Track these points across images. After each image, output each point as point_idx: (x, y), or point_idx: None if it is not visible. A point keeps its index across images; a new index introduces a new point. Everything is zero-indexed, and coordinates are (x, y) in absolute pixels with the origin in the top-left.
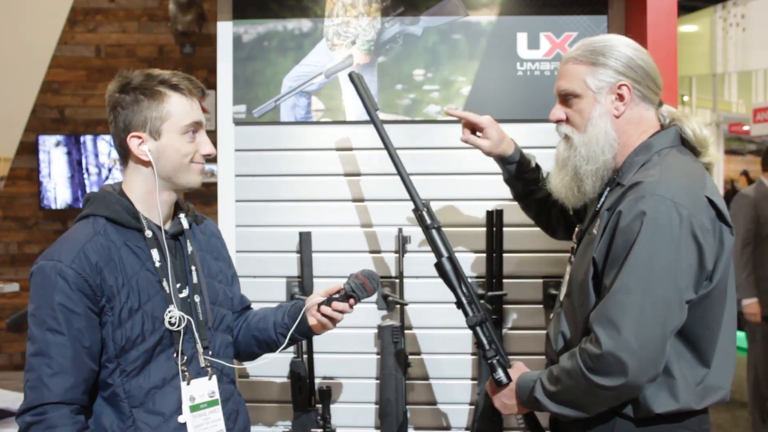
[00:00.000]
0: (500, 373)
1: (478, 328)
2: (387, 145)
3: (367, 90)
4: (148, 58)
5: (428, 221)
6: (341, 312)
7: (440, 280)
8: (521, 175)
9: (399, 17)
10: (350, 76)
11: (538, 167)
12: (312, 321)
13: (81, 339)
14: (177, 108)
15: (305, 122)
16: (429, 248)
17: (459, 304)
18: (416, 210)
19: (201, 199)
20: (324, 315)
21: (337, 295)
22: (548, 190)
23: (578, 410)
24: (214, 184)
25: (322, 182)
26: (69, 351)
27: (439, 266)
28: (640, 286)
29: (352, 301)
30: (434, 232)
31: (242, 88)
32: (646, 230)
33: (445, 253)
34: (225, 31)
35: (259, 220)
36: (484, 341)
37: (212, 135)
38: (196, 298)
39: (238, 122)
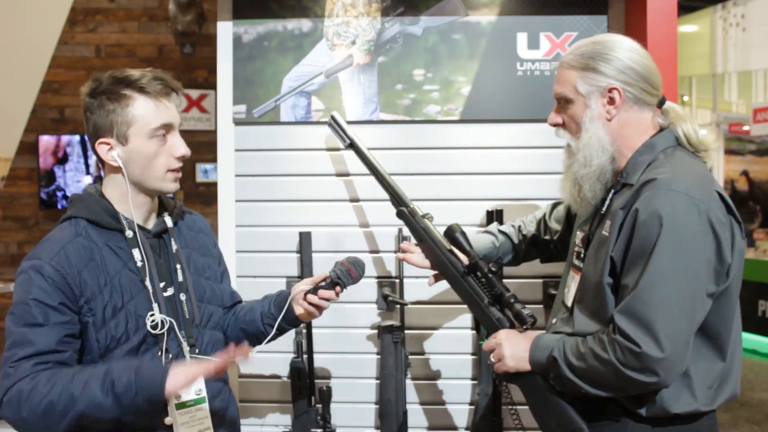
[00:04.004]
0: (527, 311)
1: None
2: (372, 164)
3: (342, 127)
4: (148, 58)
5: (418, 213)
6: (327, 300)
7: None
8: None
9: (399, 17)
10: (331, 117)
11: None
12: (299, 310)
13: (61, 331)
14: (143, 111)
15: (305, 122)
16: None
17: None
18: (405, 207)
19: (201, 199)
20: (310, 303)
21: (323, 284)
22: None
23: (598, 389)
24: (214, 184)
25: (322, 182)
26: (52, 337)
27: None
28: (666, 283)
29: (338, 288)
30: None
31: (242, 88)
32: (666, 226)
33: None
34: (225, 31)
35: (259, 220)
36: (501, 289)
37: (212, 135)
38: (182, 297)
39: (238, 122)
